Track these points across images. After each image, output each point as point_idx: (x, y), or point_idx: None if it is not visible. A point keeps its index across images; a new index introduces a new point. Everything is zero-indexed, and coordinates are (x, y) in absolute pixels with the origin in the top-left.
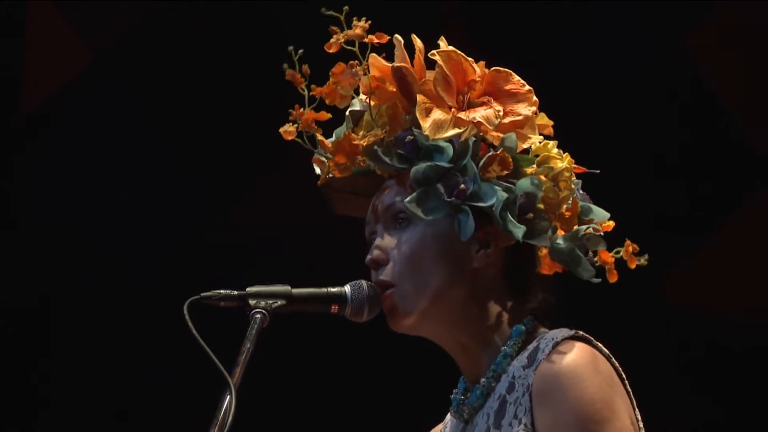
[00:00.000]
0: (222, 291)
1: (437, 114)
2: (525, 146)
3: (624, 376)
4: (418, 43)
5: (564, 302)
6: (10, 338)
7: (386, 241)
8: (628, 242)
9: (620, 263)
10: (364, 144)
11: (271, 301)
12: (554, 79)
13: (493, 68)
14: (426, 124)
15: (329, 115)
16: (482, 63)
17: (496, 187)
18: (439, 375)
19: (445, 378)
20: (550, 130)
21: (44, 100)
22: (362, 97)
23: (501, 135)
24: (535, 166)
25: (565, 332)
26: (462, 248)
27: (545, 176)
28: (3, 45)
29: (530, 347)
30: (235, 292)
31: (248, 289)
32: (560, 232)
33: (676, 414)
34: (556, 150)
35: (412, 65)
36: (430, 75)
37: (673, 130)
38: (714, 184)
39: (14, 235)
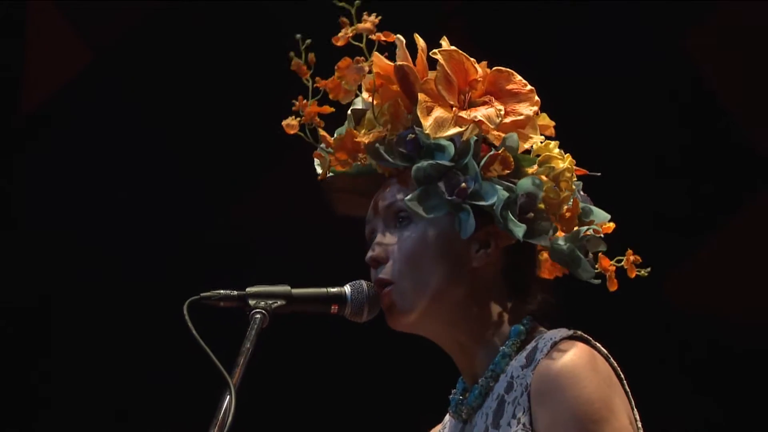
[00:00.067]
0: (222, 291)
1: (439, 112)
2: (526, 146)
3: (622, 376)
4: (420, 42)
5: (564, 303)
6: (10, 338)
7: (386, 239)
8: (629, 252)
9: (620, 271)
10: (366, 141)
11: (270, 302)
12: (554, 79)
13: (495, 68)
14: (427, 123)
15: (332, 109)
16: (484, 63)
17: (497, 187)
18: (438, 375)
19: (444, 378)
20: (551, 131)
21: (44, 100)
22: (365, 95)
23: (502, 134)
24: (536, 166)
25: (563, 332)
26: (462, 247)
27: (546, 176)
28: (3, 45)
29: (529, 347)
30: (235, 293)
31: (248, 289)
32: (560, 233)
33: (676, 414)
34: (557, 150)
35: (414, 65)
36: (432, 74)
37: (673, 130)
38: (714, 184)
39: (14, 235)
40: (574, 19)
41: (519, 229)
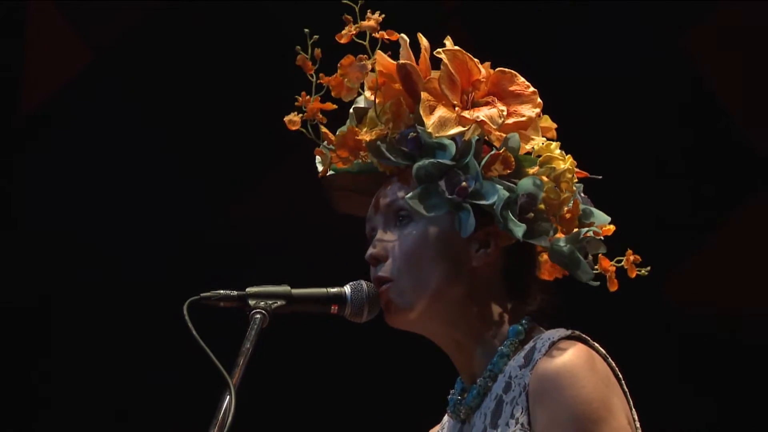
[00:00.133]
0: (222, 291)
1: (441, 112)
2: (528, 147)
3: (620, 375)
4: (424, 42)
5: (564, 303)
6: (10, 338)
7: (386, 237)
8: (629, 252)
9: (620, 271)
10: (368, 139)
11: (270, 302)
12: (554, 79)
13: (498, 69)
14: (429, 122)
15: (335, 106)
16: (487, 64)
17: (498, 186)
18: (436, 376)
19: (443, 379)
20: (553, 133)
21: (44, 100)
22: (368, 93)
23: (504, 135)
24: (537, 166)
25: (561, 332)
26: (462, 247)
27: (547, 177)
28: (3, 45)
29: (527, 347)
30: (235, 293)
31: (248, 289)
32: (560, 235)
33: (676, 414)
34: (558, 151)
35: (417, 64)
36: (435, 74)
37: (673, 130)
38: (714, 184)
39: (14, 235)
40: (574, 19)
41: (519, 229)
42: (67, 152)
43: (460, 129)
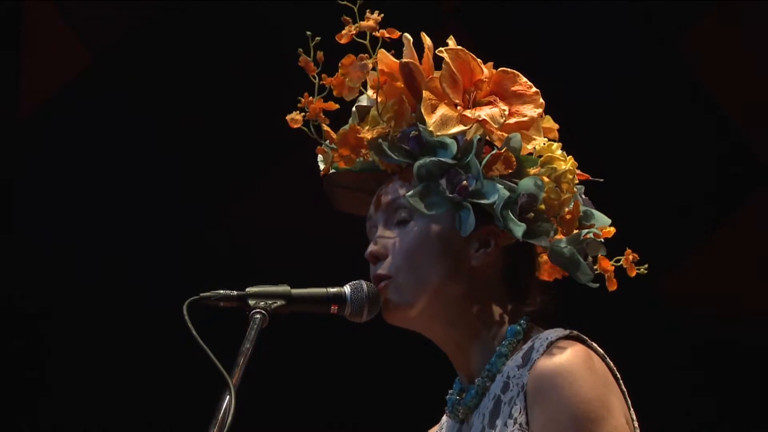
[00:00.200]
0: (221, 291)
1: (443, 110)
2: (529, 147)
3: (619, 375)
4: (427, 41)
5: (564, 303)
6: (10, 338)
7: (386, 234)
8: (628, 251)
9: (619, 270)
10: (369, 137)
11: (270, 302)
12: (554, 79)
13: (501, 69)
14: (431, 120)
15: (337, 106)
16: (490, 63)
17: (499, 186)
18: (435, 376)
19: (442, 379)
20: (555, 134)
21: (43, 101)
22: (370, 92)
23: (505, 135)
24: (538, 166)
25: (559, 332)
26: (462, 246)
27: (548, 177)
28: (2, 45)
29: (525, 347)
30: (235, 293)
31: (248, 289)
32: (560, 236)
33: (675, 414)
34: (559, 152)
35: (420, 63)
36: (437, 73)
37: (673, 130)
38: (713, 184)
39: (14, 237)
40: (574, 19)
41: (519, 229)
42: (67, 152)
43: (461, 128)
